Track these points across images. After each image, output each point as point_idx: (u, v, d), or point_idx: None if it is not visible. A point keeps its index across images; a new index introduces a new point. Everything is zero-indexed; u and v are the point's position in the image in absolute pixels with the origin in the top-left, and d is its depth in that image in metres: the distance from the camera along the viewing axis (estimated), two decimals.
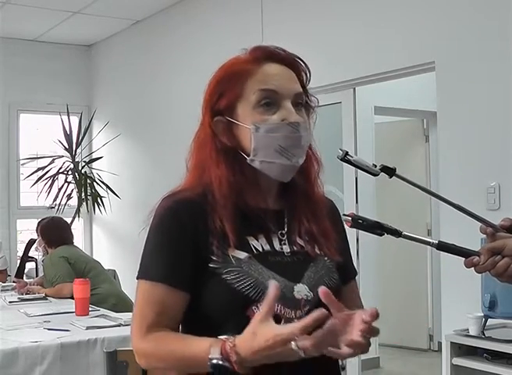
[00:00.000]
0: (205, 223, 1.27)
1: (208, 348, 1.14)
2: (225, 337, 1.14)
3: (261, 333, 1.10)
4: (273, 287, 1.12)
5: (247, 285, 1.23)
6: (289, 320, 1.24)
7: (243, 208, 1.29)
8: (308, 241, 1.35)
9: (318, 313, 1.07)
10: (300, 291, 1.27)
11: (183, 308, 1.27)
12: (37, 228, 4.72)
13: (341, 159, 1.31)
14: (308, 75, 1.38)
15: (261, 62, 1.33)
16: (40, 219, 4.78)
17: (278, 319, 1.23)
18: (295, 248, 1.33)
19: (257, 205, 1.32)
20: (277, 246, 1.32)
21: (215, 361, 1.13)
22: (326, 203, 1.44)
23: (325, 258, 1.35)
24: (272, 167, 1.31)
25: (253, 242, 1.29)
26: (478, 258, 1.25)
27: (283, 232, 1.34)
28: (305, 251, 1.34)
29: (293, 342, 1.07)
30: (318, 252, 1.35)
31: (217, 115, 1.33)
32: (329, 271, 1.34)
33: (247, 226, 1.30)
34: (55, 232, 4.56)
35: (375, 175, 1.33)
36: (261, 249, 1.29)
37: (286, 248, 1.32)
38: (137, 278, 1.29)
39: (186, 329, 1.31)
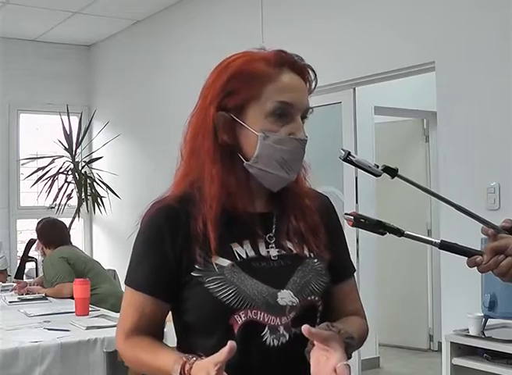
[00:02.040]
0: (188, 230, 1.27)
1: (171, 365, 1.18)
2: (185, 356, 1.18)
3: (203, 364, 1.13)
4: (229, 347, 1.10)
5: (229, 294, 1.23)
6: (273, 327, 1.24)
7: (230, 212, 1.28)
8: (297, 243, 1.33)
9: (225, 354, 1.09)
10: (285, 297, 1.26)
11: (163, 316, 1.31)
12: (35, 230, 4.72)
13: (343, 159, 1.31)
14: (314, 86, 1.35)
15: (281, 68, 1.29)
16: (37, 222, 4.78)
17: (261, 326, 1.24)
18: (283, 252, 1.32)
19: (245, 208, 1.30)
20: (263, 251, 1.30)
21: None
22: (318, 199, 1.42)
23: (315, 260, 1.33)
24: (268, 177, 1.30)
25: (237, 249, 1.28)
26: (480, 257, 1.24)
27: (271, 235, 1.32)
28: (293, 254, 1.32)
29: None
30: (308, 254, 1.33)
31: (222, 109, 1.29)
32: (317, 274, 1.32)
33: (232, 232, 1.29)
34: (52, 233, 4.56)
35: (377, 175, 1.33)
36: (244, 256, 1.28)
37: (274, 252, 1.31)
38: (124, 283, 1.34)
39: (179, 334, 1.34)
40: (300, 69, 1.31)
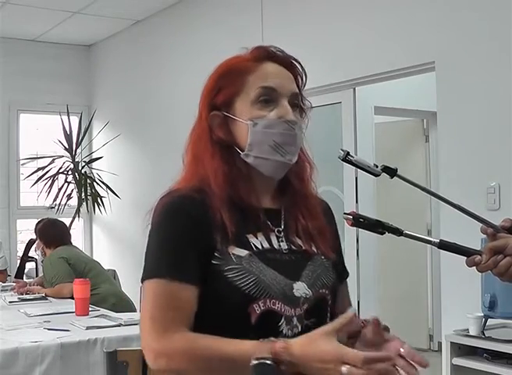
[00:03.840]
0: (208, 217, 1.27)
1: (253, 347, 1.12)
2: (272, 339, 1.13)
3: (322, 343, 1.11)
4: (351, 314, 1.14)
5: (249, 283, 1.23)
6: (288, 318, 1.25)
7: (239, 204, 1.30)
8: (306, 240, 1.36)
9: (386, 355, 1.11)
10: (299, 289, 1.28)
11: (196, 303, 1.24)
12: (34, 230, 4.72)
13: (342, 160, 1.32)
14: (304, 78, 1.39)
15: (261, 60, 1.35)
16: (37, 222, 4.78)
17: (278, 316, 1.24)
18: (292, 246, 1.34)
19: (251, 202, 1.32)
20: (275, 244, 1.32)
21: (261, 360, 1.10)
22: (321, 203, 1.46)
23: (322, 257, 1.36)
24: (266, 163, 1.32)
25: (252, 240, 1.30)
26: (479, 257, 1.25)
27: (280, 229, 1.34)
28: (303, 249, 1.35)
29: (346, 366, 1.07)
30: (315, 251, 1.36)
31: (214, 109, 1.34)
32: (326, 270, 1.35)
33: (246, 223, 1.30)
34: (52, 233, 4.56)
35: (376, 175, 1.34)
36: (260, 247, 1.29)
37: (284, 246, 1.33)
38: (145, 278, 1.25)
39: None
40: (281, 59, 1.36)
